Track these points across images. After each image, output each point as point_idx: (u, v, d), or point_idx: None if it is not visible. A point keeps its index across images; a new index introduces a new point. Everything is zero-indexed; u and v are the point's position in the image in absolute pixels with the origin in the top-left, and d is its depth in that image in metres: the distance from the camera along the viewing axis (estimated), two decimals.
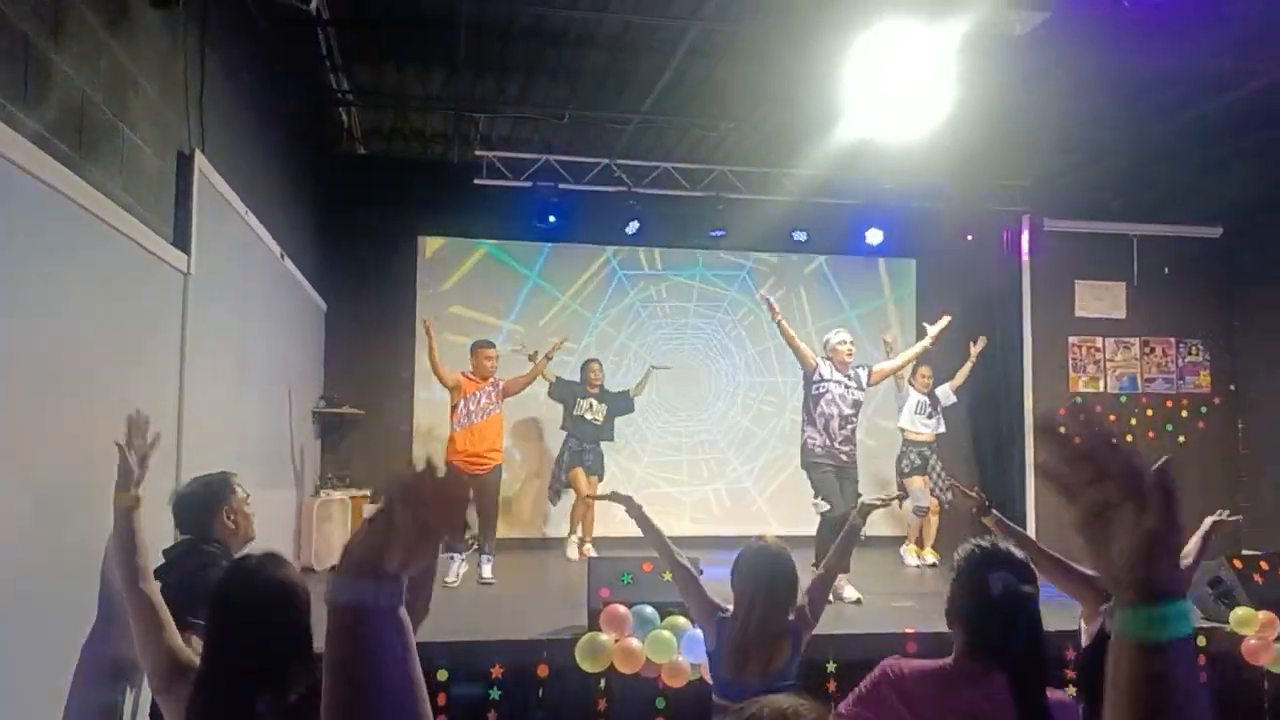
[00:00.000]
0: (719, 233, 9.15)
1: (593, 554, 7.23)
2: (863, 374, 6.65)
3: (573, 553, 8.15)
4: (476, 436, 7.20)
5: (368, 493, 8.21)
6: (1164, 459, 0.86)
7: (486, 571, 7.15)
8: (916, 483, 8.09)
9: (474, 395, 7.25)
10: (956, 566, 2.41)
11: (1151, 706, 0.81)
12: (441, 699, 4.83)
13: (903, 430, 8.34)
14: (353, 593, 0.93)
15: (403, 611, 0.96)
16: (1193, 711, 0.81)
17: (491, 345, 7.52)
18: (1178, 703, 0.81)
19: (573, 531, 8.31)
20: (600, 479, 8.22)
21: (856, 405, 6.58)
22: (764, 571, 3.18)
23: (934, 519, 8.26)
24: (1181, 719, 0.81)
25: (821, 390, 6.53)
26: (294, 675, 2.04)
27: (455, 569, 6.99)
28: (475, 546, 7.28)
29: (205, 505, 3.07)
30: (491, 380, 7.39)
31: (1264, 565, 5.88)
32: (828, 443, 6.47)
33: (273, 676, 2.02)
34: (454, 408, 7.27)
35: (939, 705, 2.21)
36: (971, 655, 2.27)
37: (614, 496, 3.59)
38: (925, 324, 7.21)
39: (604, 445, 8.36)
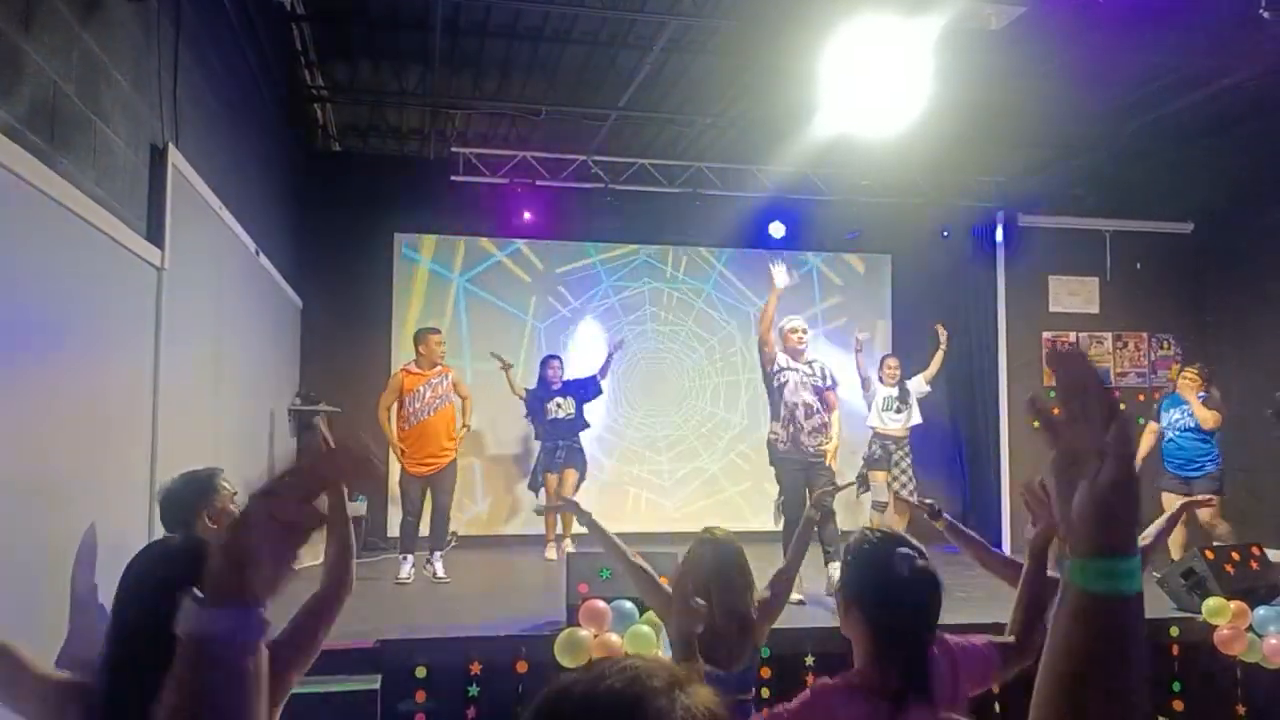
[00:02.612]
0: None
1: (572, 550, 7.12)
2: (822, 368, 6.45)
3: (551, 553, 8.00)
4: (423, 436, 6.93)
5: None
6: (1121, 414, 0.85)
7: (439, 569, 6.96)
8: (878, 477, 7.80)
9: (418, 391, 6.97)
10: (850, 552, 2.22)
11: (1085, 654, 0.82)
12: (421, 696, 4.82)
13: (871, 427, 8.06)
14: (211, 623, 0.84)
15: (263, 648, 0.87)
16: (1124, 667, 0.82)
17: (437, 331, 7.29)
18: (1110, 656, 0.81)
19: (549, 535, 8.17)
20: (581, 473, 8.05)
21: (820, 395, 6.36)
22: (713, 562, 3.12)
23: (898, 518, 7.54)
24: (1110, 672, 0.81)
25: (782, 380, 6.33)
26: None
27: (407, 568, 6.86)
28: (432, 546, 7.07)
29: (188, 502, 3.01)
30: (439, 371, 7.08)
31: (1235, 556, 5.96)
32: (792, 434, 6.25)
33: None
34: (399, 410, 6.96)
35: None
36: (877, 662, 2.06)
37: (564, 506, 3.44)
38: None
39: (583, 436, 8.20)
